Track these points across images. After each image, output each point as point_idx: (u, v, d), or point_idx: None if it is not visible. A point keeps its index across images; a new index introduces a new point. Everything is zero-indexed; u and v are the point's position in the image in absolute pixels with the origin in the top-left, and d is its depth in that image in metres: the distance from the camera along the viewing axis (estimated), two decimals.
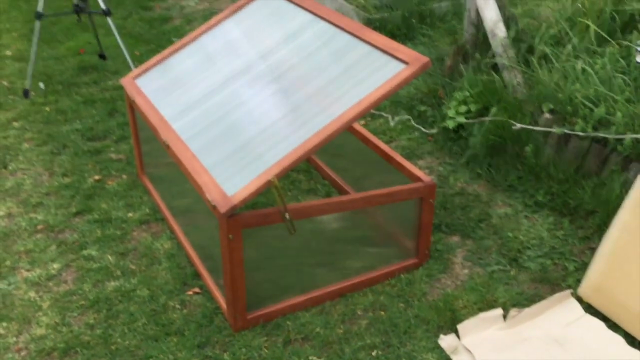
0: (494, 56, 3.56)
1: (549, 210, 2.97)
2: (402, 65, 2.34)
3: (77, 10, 4.43)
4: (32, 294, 2.61)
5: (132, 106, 3.10)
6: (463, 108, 3.42)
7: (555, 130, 3.01)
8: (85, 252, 2.82)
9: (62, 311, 2.51)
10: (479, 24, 3.70)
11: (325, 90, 2.42)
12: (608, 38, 3.29)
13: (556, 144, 3.07)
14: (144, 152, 3.23)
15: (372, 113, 3.91)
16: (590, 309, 2.43)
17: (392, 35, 4.55)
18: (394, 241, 2.65)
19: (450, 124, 3.44)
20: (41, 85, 4.41)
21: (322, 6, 2.80)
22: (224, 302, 2.43)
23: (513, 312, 2.43)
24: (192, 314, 2.48)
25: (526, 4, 4.32)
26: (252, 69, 2.71)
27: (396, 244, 2.65)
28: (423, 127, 3.70)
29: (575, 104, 3.03)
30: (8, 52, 5.08)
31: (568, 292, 2.48)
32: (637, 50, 3.06)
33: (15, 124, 3.96)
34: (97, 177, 3.37)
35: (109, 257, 2.79)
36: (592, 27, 3.31)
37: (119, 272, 2.70)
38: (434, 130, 3.63)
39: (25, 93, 4.25)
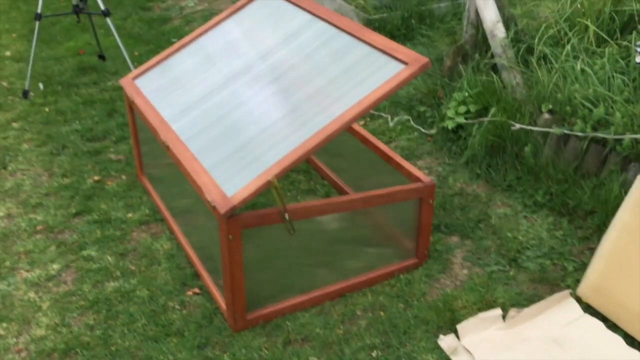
0: (493, 57, 3.56)
1: (548, 211, 2.97)
2: (401, 66, 2.34)
3: (77, 10, 4.43)
4: (31, 294, 2.61)
5: (132, 107, 3.10)
6: (462, 108, 3.42)
7: (555, 130, 3.01)
8: (84, 253, 2.82)
9: (62, 312, 2.51)
10: (478, 24, 3.71)
11: (325, 90, 2.42)
12: (607, 38, 3.30)
13: (555, 145, 3.07)
14: (144, 153, 3.23)
15: (371, 113, 3.91)
16: (589, 309, 2.43)
17: (392, 36, 4.55)
18: (393, 241, 2.65)
19: (450, 125, 3.44)
20: (41, 85, 4.41)
21: (321, 6, 2.80)
22: (223, 303, 2.43)
23: (512, 312, 2.43)
24: (192, 314, 2.48)
25: (525, 4, 4.31)
26: (252, 70, 2.71)
27: (395, 244, 2.65)
28: (422, 128, 3.70)
29: (575, 105, 3.03)
30: (7, 53, 5.08)
31: (567, 292, 2.48)
32: (636, 50, 3.06)
33: (15, 124, 3.96)
34: (96, 178, 3.37)
35: (109, 257, 2.79)
36: (592, 27, 3.31)
37: (118, 273, 2.70)
38: (433, 131, 3.63)
39: (25, 94, 4.25)
